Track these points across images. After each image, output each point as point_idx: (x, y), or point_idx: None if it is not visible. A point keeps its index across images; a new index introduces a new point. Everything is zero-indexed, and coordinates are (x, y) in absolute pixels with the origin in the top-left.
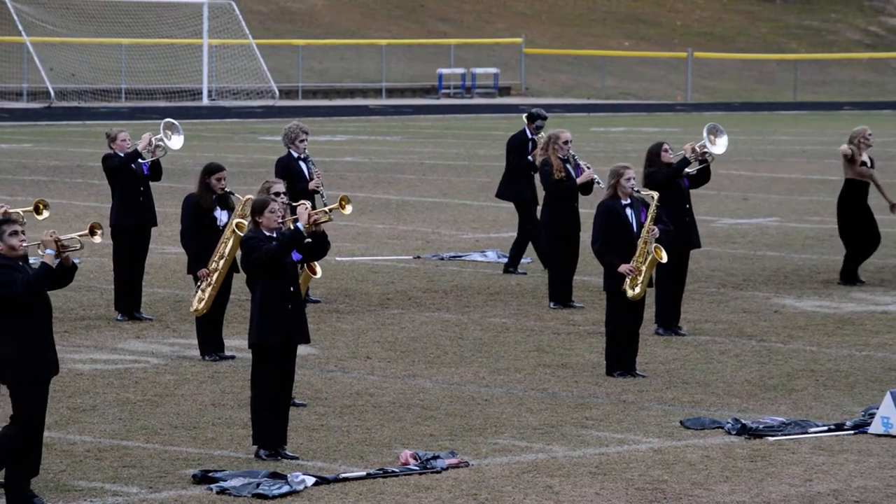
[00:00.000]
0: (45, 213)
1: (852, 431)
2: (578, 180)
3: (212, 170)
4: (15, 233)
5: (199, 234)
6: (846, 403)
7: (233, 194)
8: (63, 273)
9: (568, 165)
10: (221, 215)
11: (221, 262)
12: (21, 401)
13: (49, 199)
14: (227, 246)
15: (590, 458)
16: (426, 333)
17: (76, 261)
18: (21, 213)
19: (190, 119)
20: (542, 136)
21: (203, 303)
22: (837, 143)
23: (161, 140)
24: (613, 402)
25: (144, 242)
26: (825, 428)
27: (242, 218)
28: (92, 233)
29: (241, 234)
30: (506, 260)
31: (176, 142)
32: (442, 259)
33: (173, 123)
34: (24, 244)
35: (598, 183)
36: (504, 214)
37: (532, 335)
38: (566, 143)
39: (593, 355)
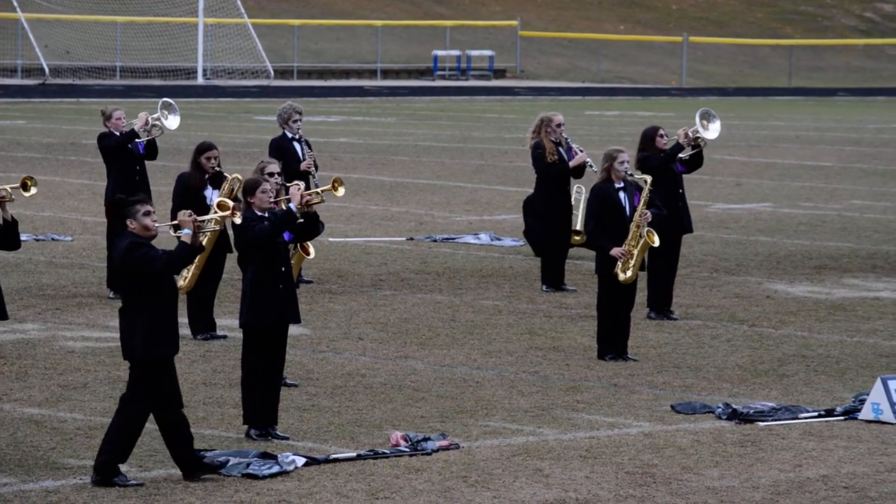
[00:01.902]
0: (33, 190)
1: (842, 417)
2: (571, 163)
3: (202, 149)
4: (148, 213)
5: None
6: (837, 389)
7: (223, 173)
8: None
9: (560, 148)
10: (213, 195)
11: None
12: (142, 379)
13: (42, 176)
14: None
15: (580, 442)
16: (418, 315)
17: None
18: (9, 189)
19: (185, 98)
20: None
21: (186, 280)
22: (831, 130)
23: (158, 120)
24: (604, 385)
25: None
26: (815, 413)
27: (228, 196)
28: (233, 213)
29: (222, 213)
30: (499, 242)
31: (173, 122)
32: (435, 241)
33: (171, 104)
34: (157, 224)
35: (591, 166)
36: (497, 197)
37: (524, 318)
38: (559, 125)
39: (585, 338)
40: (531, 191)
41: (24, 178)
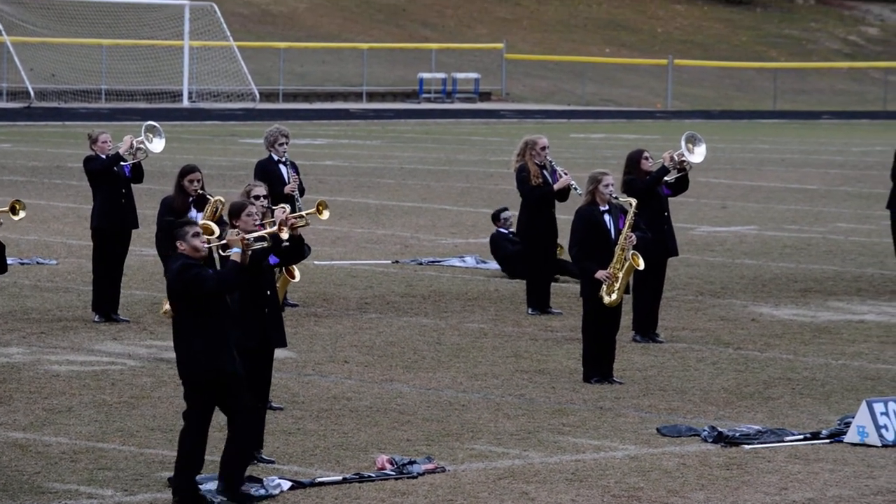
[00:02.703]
0: (22, 214)
1: (828, 440)
2: (555, 186)
3: (185, 172)
4: (197, 234)
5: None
6: (822, 412)
7: (207, 196)
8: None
9: (545, 171)
10: (197, 217)
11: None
12: (191, 395)
13: (27, 199)
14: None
15: (566, 465)
16: (404, 338)
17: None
18: None
19: (170, 121)
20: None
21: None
22: (816, 152)
23: (142, 143)
24: (590, 408)
25: (125, 244)
26: (801, 436)
27: (211, 218)
28: (280, 229)
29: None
30: (484, 265)
31: (157, 145)
32: (420, 264)
33: (155, 126)
34: (206, 245)
35: (576, 189)
36: (483, 220)
37: (510, 341)
38: (543, 148)
39: (571, 361)
40: (515, 213)
41: (12, 202)
